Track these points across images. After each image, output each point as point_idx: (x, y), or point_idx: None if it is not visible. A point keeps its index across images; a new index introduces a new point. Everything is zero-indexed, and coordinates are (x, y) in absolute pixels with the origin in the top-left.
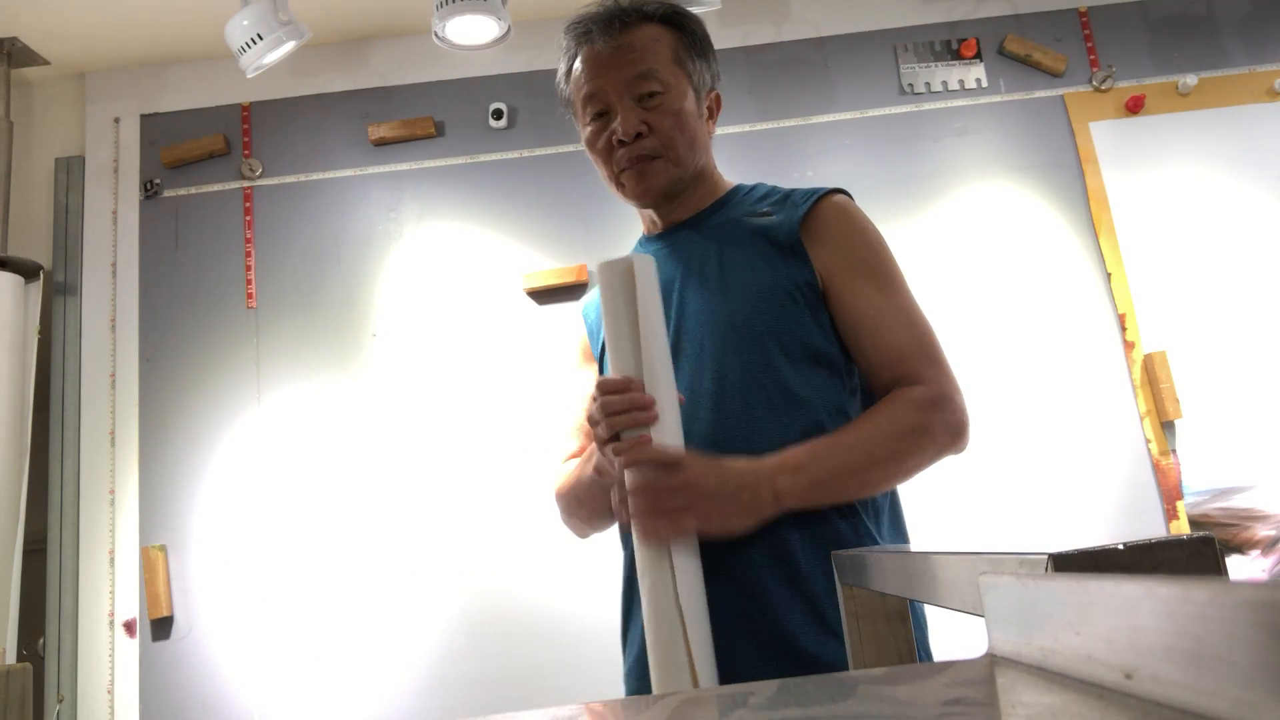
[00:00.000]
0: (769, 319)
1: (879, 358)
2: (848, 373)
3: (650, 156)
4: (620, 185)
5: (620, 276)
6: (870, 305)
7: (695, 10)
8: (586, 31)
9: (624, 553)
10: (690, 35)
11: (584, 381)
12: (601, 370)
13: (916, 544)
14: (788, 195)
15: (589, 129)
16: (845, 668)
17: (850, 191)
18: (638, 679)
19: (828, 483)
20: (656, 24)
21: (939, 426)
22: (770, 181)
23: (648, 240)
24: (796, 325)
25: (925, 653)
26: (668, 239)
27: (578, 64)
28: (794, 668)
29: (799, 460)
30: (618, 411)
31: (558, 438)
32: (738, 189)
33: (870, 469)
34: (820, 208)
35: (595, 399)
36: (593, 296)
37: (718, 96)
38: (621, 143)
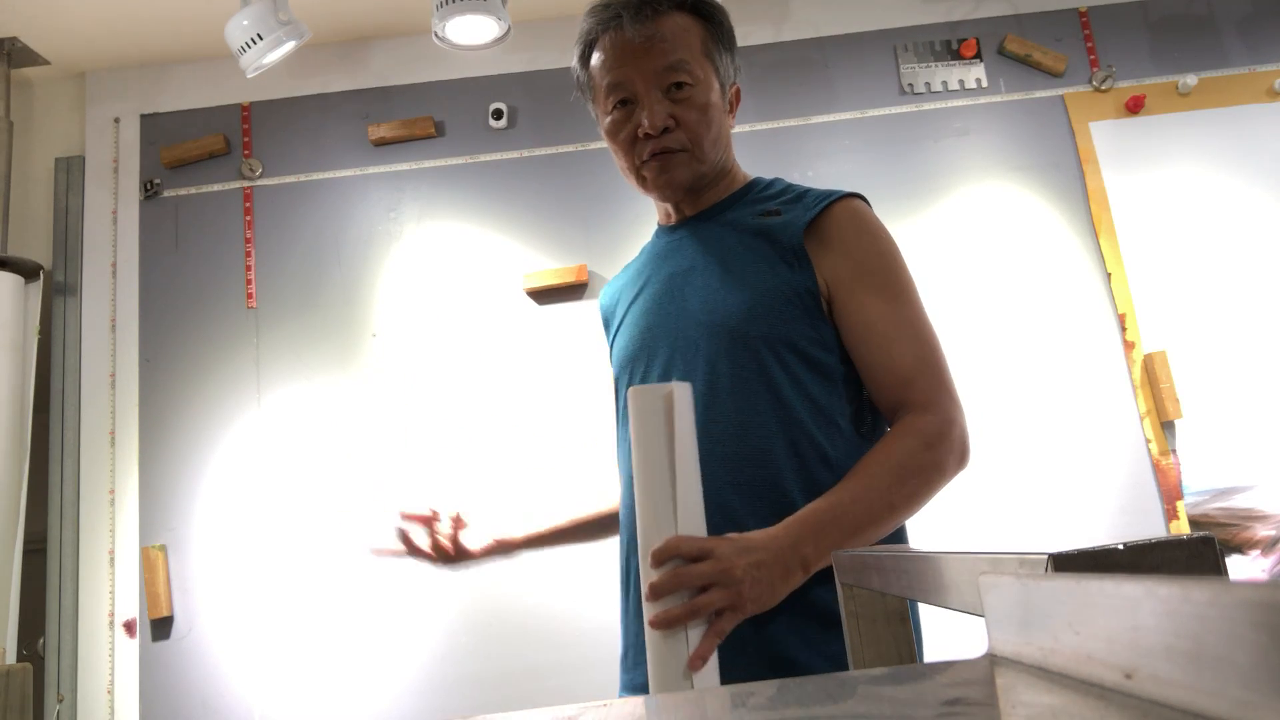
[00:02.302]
0: (764, 323)
1: (886, 376)
2: (845, 381)
3: (675, 150)
4: (641, 178)
5: (659, 402)
6: (879, 318)
7: None
8: (615, 16)
9: (621, 539)
10: (718, 27)
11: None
12: (615, 347)
13: (917, 544)
14: (802, 195)
15: (611, 118)
16: (825, 670)
17: (866, 196)
18: (630, 667)
19: (852, 540)
20: (687, 14)
21: (951, 459)
22: None
23: (662, 231)
24: (792, 331)
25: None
26: (680, 232)
27: (600, 49)
28: (771, 671)
29: (821, 523)
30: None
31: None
32: (755, 183)
33: (890, 517)
34: (832, 212)
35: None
36: (612, 283)
37: (738, 90)
38: (647, 135)
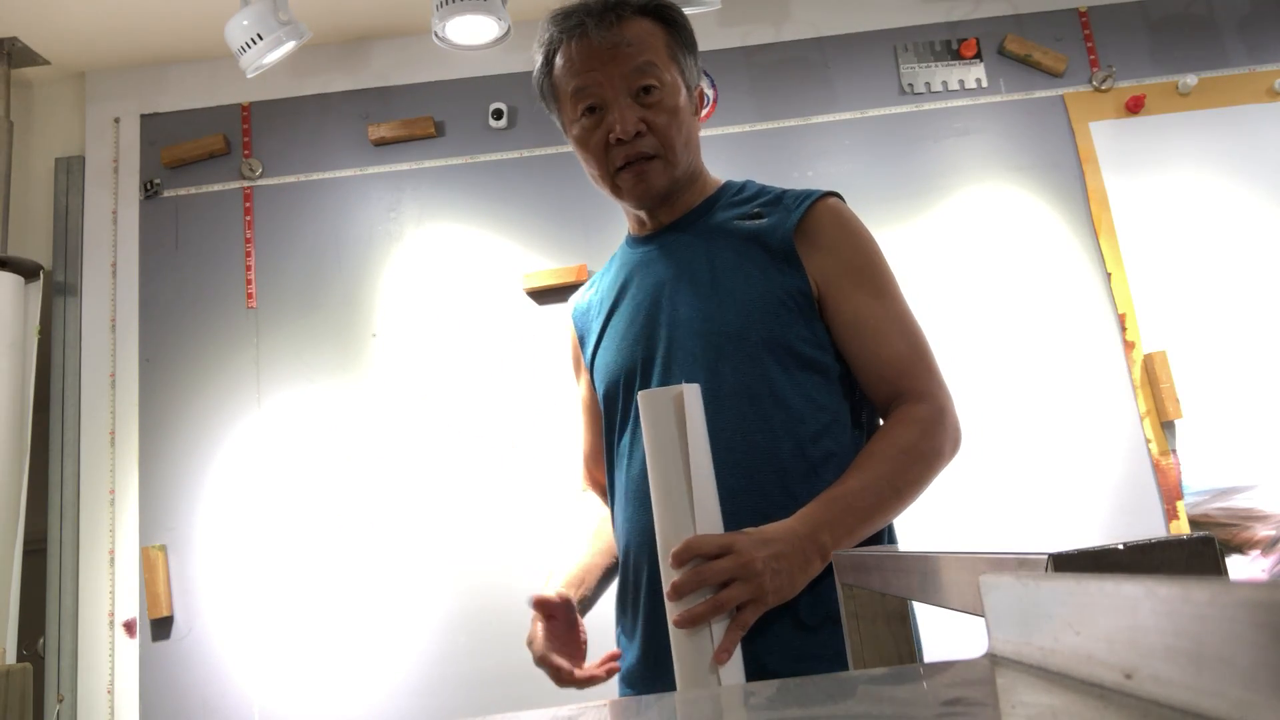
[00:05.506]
0: (762, 327)
1: (879, 369)
2: (841, 379)
3: (648, 156)
4: (615, 186)
5: (670, 404)
6: (868, 314)
7: (695, 10)
8: (579, 24)
9: (619, 549)
10: (681, 31)
11: (582, 387)
12: (593, 374)
13: (917, 544)
14: (780, 197)
15: (579, 125)
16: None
17: (843, 194)
18: (636, 681)
19: (864, 527)
20: (649, 19)
21: (948, 445)
22: (770, 181)
23: (636, 241)
24: (789, 333)
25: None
26: (658, 241)
27: (564, 56)
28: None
29: (835, 511)
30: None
31: (577, 435)
32: (727, 187)
33: (897, 503)
34: (814, 212)
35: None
36: (582, 296)
37: (702, 93)
38: (619, 141)
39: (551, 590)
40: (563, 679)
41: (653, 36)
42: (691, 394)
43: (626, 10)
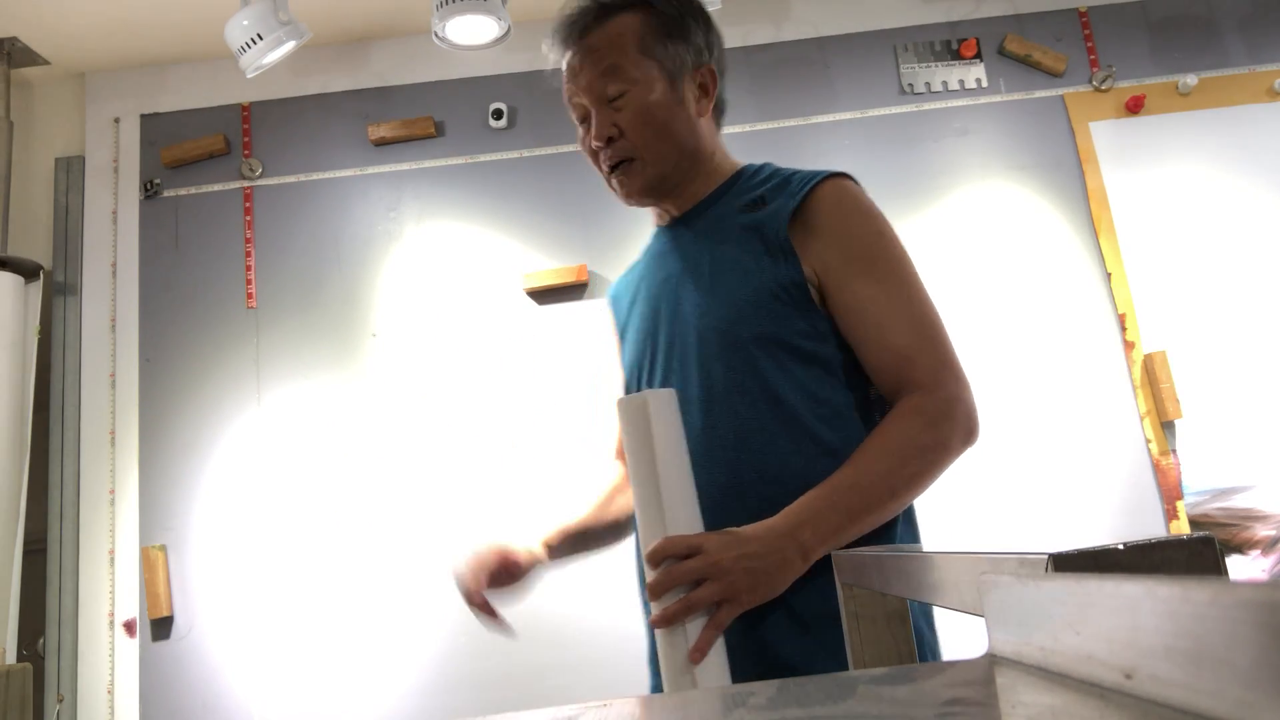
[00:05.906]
0: (753, 324)
1: (883, 360)
2: (845, 370)
3: (627, 159)
4: (613, 189)
5: (638, 411)
6: (870, 303)
7: None
8: (561, 40)
9: (637, 545)
10: (660, 16)
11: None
12: (623, 353)
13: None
14: (788, 180)
15: (580, 132)
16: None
17: (853, 175)
18: (657, 670)
19: (851, 526)
20: (623, 13)
21: (954, 437)
22: None
23: (659, 231)
24: (783, 328)
25: (934, 655)
26: (671, 233)
27: (563, 69)
28: (771, 674)
29: (818, 510)
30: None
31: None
32: (742, 172)
33: (890, 501)
34: (814, 198)
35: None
36: (619, 284)
37: (711, 70)
38: (599, 147)
39: (534, 545)
40: (487, 613)
41: (621, 36)
42: (658, 400)
43: (591, 15)
